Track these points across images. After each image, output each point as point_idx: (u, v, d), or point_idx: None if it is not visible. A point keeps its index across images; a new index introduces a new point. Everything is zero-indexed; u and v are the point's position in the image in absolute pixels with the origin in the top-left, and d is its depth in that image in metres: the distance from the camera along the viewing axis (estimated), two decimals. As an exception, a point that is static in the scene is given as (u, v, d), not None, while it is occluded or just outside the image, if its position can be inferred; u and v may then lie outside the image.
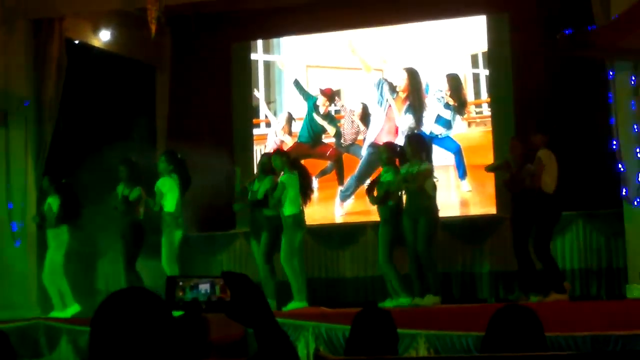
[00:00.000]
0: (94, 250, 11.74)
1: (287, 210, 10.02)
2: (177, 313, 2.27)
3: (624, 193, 9.67)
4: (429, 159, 10.05)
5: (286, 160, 10.26)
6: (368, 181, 12.18)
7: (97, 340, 2.14)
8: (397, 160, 9.91)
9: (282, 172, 10.17)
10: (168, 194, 10.31)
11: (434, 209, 9.72)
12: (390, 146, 10.30)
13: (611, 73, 9.80)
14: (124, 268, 10.41)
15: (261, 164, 10.71)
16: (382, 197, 9.78)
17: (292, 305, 9.97)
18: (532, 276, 9.44)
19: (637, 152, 9.65)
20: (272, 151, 11.07)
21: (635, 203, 9.62)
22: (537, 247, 9.33)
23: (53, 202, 10.61)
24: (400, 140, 12.00)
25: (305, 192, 10.25)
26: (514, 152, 9.67)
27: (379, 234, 9.93)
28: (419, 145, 9.84)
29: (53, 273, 10.54)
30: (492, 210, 11.72)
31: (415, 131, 11.97)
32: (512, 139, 9.96)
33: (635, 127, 9.67)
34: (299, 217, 10.11)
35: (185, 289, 2.26)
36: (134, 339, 2.11)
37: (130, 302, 2.17)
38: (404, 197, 9.85)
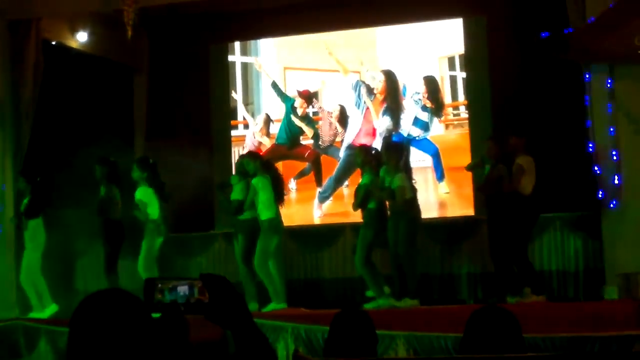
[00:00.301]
0: (71, 250, 11.69)
1: (263, 214, 10.03)
2: (155, 315, 2.26)
3: (600, 195, 9.73)
4: (406, 165, 10.12)
5: (259, 163, 10.28)
6: (347, 184, 12.23)
7: (75, 341, 2.13)
8: (372, 162, 9.93)
9: (255, 175, 10.18)
10: (149, 202, 10.32)
11: (414, 211, 9.76)
12: (364, 149, 10.33)
13: (587, 76, 9.87)
14: (104, 269, 10.39)
15: (237, 166, 10.72)
16: (362, 200, 9.80)
17: (272, 307, 9.98)
18: (509, 278, 9.50)
19: (613, 155, 9.71)
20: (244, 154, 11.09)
21: (612, 205, 9.68)
22: (514, 249, 9.37)
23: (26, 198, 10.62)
24: (378, 142, 12.05)
25: (278, 194, 10.25)
26: (489, 153, 9.74)
27: (359, 236, 9.96)
28: (394, 152, 9.93)
29: (30, 273, 10.49)
30: (470, 212, 11.76)
31: (393, 134, 12.01)
32: (488, 140, 10.01)
33: (611, 130, 9.73)
34: (276, 220, 10.12)
35: (164, 291, 2.26)
36: (113, 340, 2.11)
37: (108, 303, 2.16)
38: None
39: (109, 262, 10.40)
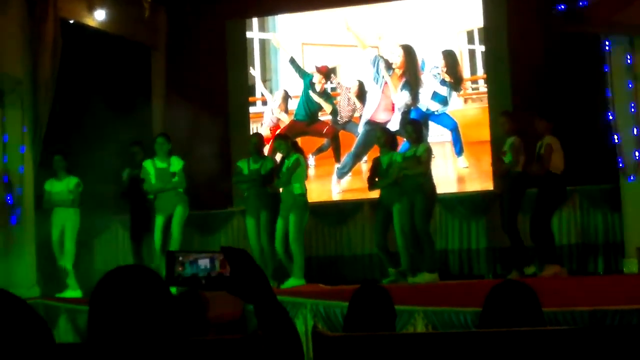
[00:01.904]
0: (92, 230, 11.80)
1: (298, 189, 10.12)
2: (174, 290, 2.27)
3: (620, 165, 9.68)
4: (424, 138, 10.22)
5: (290, 143, 10.45)
6: (365, 160, 12.21)
7: (95, 318, 2.14)
8: (394, 142, 10.06)
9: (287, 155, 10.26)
10: (178, 171, 10.47)
11: (430, 185, 9.79)
12: (386, 129, 10.47)
13: (607, 45, 9.75)
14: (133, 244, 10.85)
15: (253, 144, 10.71)
16: (396, 176, 9.89)
17: (291, 283, 10.02)
18: (525, 251, 9.53)
19: (634, 129, 9.65)
20: (269, 132, 11.15)
21: (630, 179, 9.63)
22: (539, 224, 9.36)
23: (69, 182, 10.68)
24: (396, 117, 12.04)
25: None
26: (504, 128, 9.74)
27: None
28: (414, 126, 10.11)
29: (71, 254, 10.66)
30: (489, 186, 11.72)
31: (411, 109, 12.02)
32: (501, 116, 9.98)
33: (632, 105, 9.67)
34: (306, 197, 10.24)
35: (184, 264, 2.25)
36: (132, 317, 2.10)
37: (128, 279, 2.16)
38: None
39: (137, 239, 10.74)
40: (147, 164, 10.57)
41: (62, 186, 10.76)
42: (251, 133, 12.77)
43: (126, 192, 10.89)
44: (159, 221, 10.51)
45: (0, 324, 1.88)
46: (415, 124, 10.30)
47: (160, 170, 10.53)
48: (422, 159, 9.72)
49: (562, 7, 9.79)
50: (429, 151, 9.85)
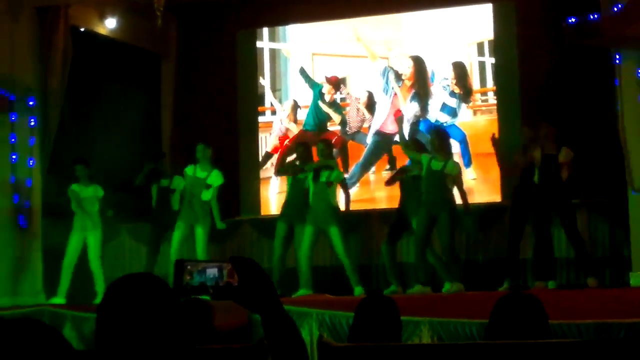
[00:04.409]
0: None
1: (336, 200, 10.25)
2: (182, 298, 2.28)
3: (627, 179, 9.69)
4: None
5: (332, 150, 10.74)
6: (373, 170, 12.21)
7: (103, 325, 2.15)
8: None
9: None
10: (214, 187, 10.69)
11: (454, 201, 9.85)
12: (417, 140, 10.65)
13: (617, 57, 9.74)
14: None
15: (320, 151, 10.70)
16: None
17: (301, 292, 10.09)
18: (518, 264, 9.70)
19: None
20: (278, 142, 11.22)
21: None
22: (574, 234, 9.44)
23: (97, 190, 10.72)
24: (405, 128, 12.05)
25: None
26: (525, 137, 9.81)
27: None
28: (445, 140, 10.07)
29: (100, 273, 10.70)
30: (497, 198, 11.73)
31: (420, 120, 12.03)
32: (523, 127, 10.07)
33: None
34: None
35: (192, 273, 2.26)
36: (140, 325, 2.11)
37: (136, 287, 2.17)
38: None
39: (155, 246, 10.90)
40: (189, 170, 10.67)
41: (90, 192, 10.74)
42: (259, 142, 12.82)
43: (143, 184, 10.91)
44: (179, 231, 10.57)
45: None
46: (444, 138, 10.16)
47: (196, 179, 10.59)
48: (453, 175, 9.76)
49: (575, 19, 9.79)
50: (458, 167, 9.96)
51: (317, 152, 10.68)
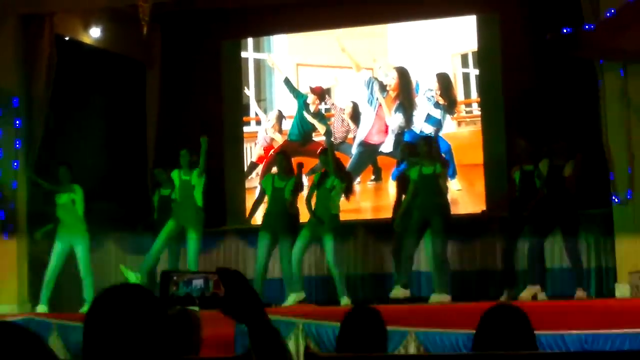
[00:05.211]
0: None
1: (336, 208, 10.22)
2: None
3: (614, 198, 9.72)
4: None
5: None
6: (359, 181, 12.21)
7: (90, 336, 2.14)
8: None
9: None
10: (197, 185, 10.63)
11: (448, 206, 9.86)
12: (428, 139, 10.67)
13: (601, 69, 9.78)
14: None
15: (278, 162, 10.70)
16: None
17: (292, 298, 10.10)
18: (515, 275, 9.66)
19: (627, 155, 9.70)
20: (263, 152, 11.18)
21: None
22: (573, 246, 9.48)
23: (69, 196, 10.53)
24: (390, 139, 12.06)
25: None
26: (521, 150, 9.82)
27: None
28: (432, 145, 10.11)
29: (90, 283, 10.58)
30: (481, 209, 11.73)
31: (405, 131, 12.04)
32: (519, 139, 10.09)
33: (625, 130, 9.70)
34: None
35: (178, 283, 2.27)
36: (127, 335, 2.12)
37: (124, 298, 2.17)
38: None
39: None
40: (174, 174, 10.68)
41: (64, 199, 10.57)
42: (245, 152, 12.81)
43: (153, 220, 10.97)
44: (168, 226, 10.53)
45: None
46: (428, 140, 10.37)
47: (183, 181, 10.58)
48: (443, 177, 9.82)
49: (559, 31, 9.81)
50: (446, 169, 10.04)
51: (320, 162, 10.68)
